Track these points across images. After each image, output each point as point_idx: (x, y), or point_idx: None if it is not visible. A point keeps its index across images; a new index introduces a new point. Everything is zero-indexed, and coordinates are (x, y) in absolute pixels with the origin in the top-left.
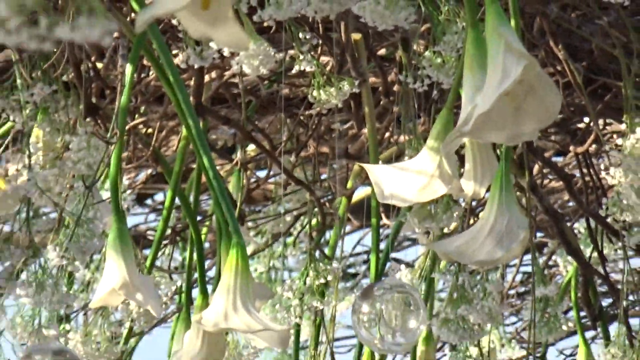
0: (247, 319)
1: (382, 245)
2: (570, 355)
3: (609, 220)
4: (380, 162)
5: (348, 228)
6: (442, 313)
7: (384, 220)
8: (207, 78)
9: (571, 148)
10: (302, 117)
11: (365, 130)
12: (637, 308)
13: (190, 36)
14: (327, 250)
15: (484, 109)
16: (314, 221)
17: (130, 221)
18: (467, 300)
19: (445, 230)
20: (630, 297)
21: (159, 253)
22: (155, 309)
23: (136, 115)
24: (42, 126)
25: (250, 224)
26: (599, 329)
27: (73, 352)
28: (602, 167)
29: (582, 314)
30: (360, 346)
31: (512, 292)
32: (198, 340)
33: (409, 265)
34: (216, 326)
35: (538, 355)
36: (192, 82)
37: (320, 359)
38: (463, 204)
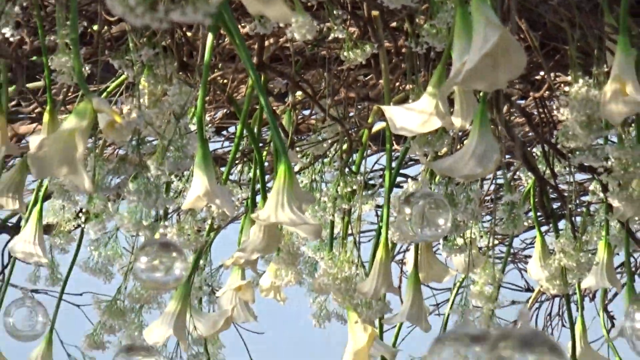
0: (291, 216)
1: (394, 164)
2: (530, 243)
3: (558, 146)
4: (392, 104)
5: (369, 152)
6: None
7: (395, 146)
8: (266, 43)
9: (531, 94)
10: (335, 71)
11: (381, 81)
12: (578, 209)
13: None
14: (353, 168)
15: (471, 66)
16: (344, 146)
17: (211, 146)
18: (455, 204)
19: (439, 153)
20: (574, 202)
21: (232, 170)
22: (229, 211)
23: (215, 70)
24: (147, 78)
25: (297, 148)
26: (551, 225)
27: (175, 244)
28: (554, 107)
29: (539, 214)
30: (378, 236)
31: (487, 198)
32: (260, 233)
33: (414, 178)
34: (268, 220)
35: (506, 243)
36: (255, 46)
37: (348, 247)
38: (452, 134)
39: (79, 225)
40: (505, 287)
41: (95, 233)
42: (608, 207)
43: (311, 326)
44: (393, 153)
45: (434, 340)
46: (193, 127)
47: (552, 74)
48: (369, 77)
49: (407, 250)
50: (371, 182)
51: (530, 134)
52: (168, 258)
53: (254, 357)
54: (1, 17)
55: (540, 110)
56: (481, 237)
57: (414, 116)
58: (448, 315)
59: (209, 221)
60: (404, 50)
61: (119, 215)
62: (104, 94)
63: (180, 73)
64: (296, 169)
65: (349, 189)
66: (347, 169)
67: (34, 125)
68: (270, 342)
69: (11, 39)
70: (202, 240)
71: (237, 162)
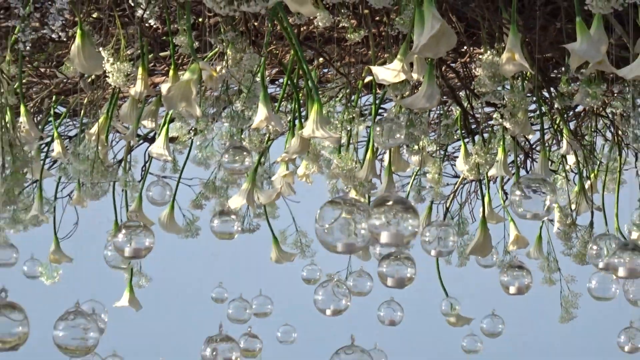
0: (322, 132)
1: (377, 102)
2: (457, 149)
3: (475, 91)
4: (376, 65)
5: (362, 94)
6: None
7: (378, 90)
8: (302, 28)
9: (459, 60)
10: (343, 46)
11: (370, 52)
12: (486, 129)
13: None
14: (353, 102)
15: (423, 42)
16: (347, 91)
17: (269, 90)
18: (413, 124)
19: (404, 95)
20: (484, 124)
21: (281, 105)
22: (279, 128)
23: (271, 44)
24: (231, 50)
25: (320, 92)
26: (470, 137)
27: (246, 148)
28: (472, 68)
29: (463, 131)
30: (367, 144)
31: (432, 121)
32: (297, 142)
33: (388, 110)
34: (308, 135)
35: (444, 149)
36: (295, 30)
37: (350, 151)
38: (412, 83)
39: (190, 137)
40: (444, 175)
41: (200, 142)
42: (504, 128)
43: None
44: (377, 95)
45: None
46: (258, 79)
47: (471, 48)
48: (362, 49)
49: (384, 152)
50: (365, 112)
51: (458, 84)
52: (241, 156)
53: None
54: (150, 14)
55: (465, 69)
56: (429, 145)
57: (389, 73)
58: (408, 192)
59: (267, 135)
60: (383, 33)
61: (215, 131)
62: (205, 59)
63: (251, 46)
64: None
65: (351, 116)
66: (349, 104)
67: (164, 77)
68: None
69: (153, 25)
70: (263, 146)
71: (284, 100)
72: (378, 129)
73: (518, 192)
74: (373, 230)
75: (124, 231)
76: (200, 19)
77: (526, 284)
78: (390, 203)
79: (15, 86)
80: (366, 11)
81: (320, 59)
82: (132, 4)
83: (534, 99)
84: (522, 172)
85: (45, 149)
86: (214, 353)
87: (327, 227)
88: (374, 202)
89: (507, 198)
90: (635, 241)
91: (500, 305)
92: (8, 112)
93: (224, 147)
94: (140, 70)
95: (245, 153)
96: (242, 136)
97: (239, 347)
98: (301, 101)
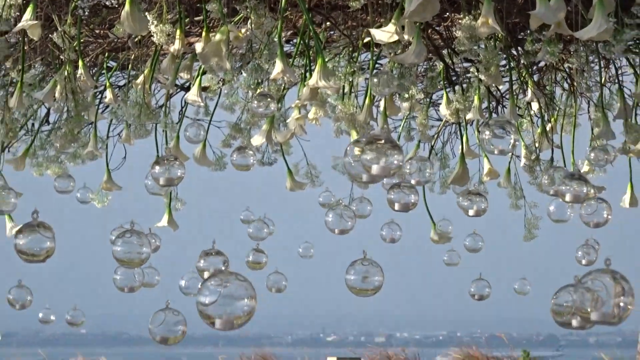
0: (323, 83)
1: (375, 57)
2: (440, 97)
3: (455, 49)
4: (374, 28)
5: (362, 51)
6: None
7: (375, 49)
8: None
9: (442, 24)
10: (346, 12)
11: (369, 17)
12: (465, 80)
13: None
14: (354, 59)
15: (413, 9)
16: (349, 49)
17: (285, 48)
18: (404, 77)
19: (397, 52)
20: (463, 76)
21: (295, 60)
22: (293, 79)
23: (287, 10)
24: (254, 15)
25: (327, 50)
26: (451, 87)
27: (269, 94)
28: (454, 30)
29: (446, 82)
30: (366, 93)
31: (420, 74)
32: (308, 91)
33: (384, 65)
34: (315, 85)
35: (429, 98)
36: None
37: (352, 98)
38: (403, 43)
39: (219, 87)
40: (429, 118)
41: (227, 90)
42: (479, 79)
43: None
44: (374, 52)
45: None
46: (275, 39)
47: (452, 14)
48: (362, 15)
49: (380, 99)
50: (363, 66)
51: (441, 43)
52: (264, 102)
53: None
54: None
55: (447, 31)
56: (417, 93)
57: (385, 34)
58: (400, 132)
59: (283, 85)
60: (380, 1)
61: (240, 82)
62: (232, 23)
63: (270, 12)
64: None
65: (352, 70)
66: (351, 60)
67: (198, 38)
68: None
69: None
70: (280, 93)
71: (297, 57)
72: (375, 80)
73: (487, 132)
74: (365, 164)
75: (160, 164)
76: None
77: (483, 207)
78: (381, 141)
79: (74, 45)
80: None
81: (328, 23)
82: None
83: (504, 56)
84: (495, 116)
85: (100, 97)
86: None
87: (353, 160)
88: (366, 140)
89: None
90: (579, 171)
91: (478, 228)
92: (69, 66)
93: (247, 95)
94: (178, 31)
95: (268, 99)
96: (262, 86)
97: (228, 260)
98: (311, 57)
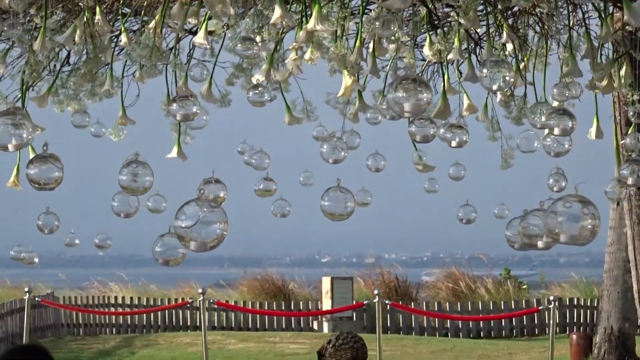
0: (320, 26)
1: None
2: (424, 40)
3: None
4: None
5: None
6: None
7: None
8: None
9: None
10: None
11: None
12: (447, 24)
13: None
14: (346, 4)
15: None
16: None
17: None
18: (394, 20)
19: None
20: (444, 21)
21: (291, 7)
22: (291, 23)
23: None
24: None
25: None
26: (433, 31)
27: (254, 39)
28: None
29: (429, 26)
30: (357, 36)
31: (405, 18)
32: (304, 34)
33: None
34: (312, 28)
35: (414, 40)
36: None
37: (344, 41)
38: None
39: (224, 31)
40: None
41: (233, 34)
42: (459, 23)
43: None
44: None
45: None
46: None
47: None
48: None
49: (369, 42)
50: (354, 12)
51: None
52: (252, 45)
53: None
54: None
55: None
56: (403, 36)
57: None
58: (388, 71)
59: (282, 29)
60: None
61: (243, 25)
62: None
63: None
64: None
65: (344, 15)
66: (343, 6)
67: None
68: None
69: None
70: (279, 36)
71: (294, 3)
72: (377, 23)
73: (485, 70)
74: (398, 101)
75: (177, 101)
76: None
77: (464, 139)
78: (411, 80)
79: None
80: None
81: None
82: None
83: (482, 1)
84: (473, 57)
85: (115, 40)
86: (202, 191)
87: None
88: (397, 80)
89: (461, 76)
90: (564, 107)
91: (464, 157)
92: (88, 13)
93: (237, 39)
94: None
95: (254, 43)
96: (263, 30)
97: (226, 188)
98: (306, 4)
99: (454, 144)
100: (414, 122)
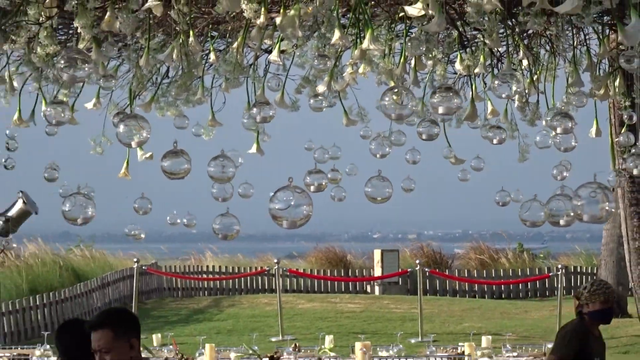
0: (372, 46)
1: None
2: (456, 57)
3: (466, 20)
4: (407, 5)
5: (399, 23)
6: None
7: (408, 21)
8: None
9: (456, 2)
10: None
11: None
12: (474, 44)
13: None
14: (393, 28)
15: None
16: (389, 21)
17: None
18: (429, 41)
19: (424, 23)
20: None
21: (348, 31)
22: (347, 44)
23: None
24: None
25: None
26: (464, 50)
27: (327, 55)
28: (465, 6)
29: (460, 46)
30: (401, 53)
31: (440, 39)
32: (358, 52)
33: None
34: (365, 48)
35: (447, 57)
36: None
37: (390, 57)
38: (428, 16)
39: (293, 50)
40: (447, 72)
41: (300, 52)
42: (484, 43)
43: None
44: (407, 23)
45: None
46: (334, 14)
47: None
48: None
49: (411, 58)
50: (399, 34)
51: (456, 16)
52: (324, 60)
53: None
54: None
55: (460, 7)
56: (438, 54)
57: (415, 10)
58: (426, 83)
59: (340, 48)
60: None
61: (309, 45)
62: (303, 2)
63: None
64: None
65: (391, 37)
66: (390, 29)
67: (277, 13)
68: None
69: None
70: (338, 54)
71: (350, 27)
72: (409, 44)
73: (497, 81)
74: (434, 105)
75: (256, 107)
76: None
77: (504, 137)
78: (444, 88)
79: (186, 19)
80: None
81: (372, 2)
82: None
83: (503, 26)
84: (496, 71)
85: (205, 58)
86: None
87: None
88: (437, 88)
89: (486, 86)
90: (566, 111)
91: (483, 152)
92: (183, 35)
93: (314, 56)
94: (263, 9)
95: (326, 59)
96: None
97: (327, 177)
98: (360, 28)
99: (495, 141)
100: (421, 124)
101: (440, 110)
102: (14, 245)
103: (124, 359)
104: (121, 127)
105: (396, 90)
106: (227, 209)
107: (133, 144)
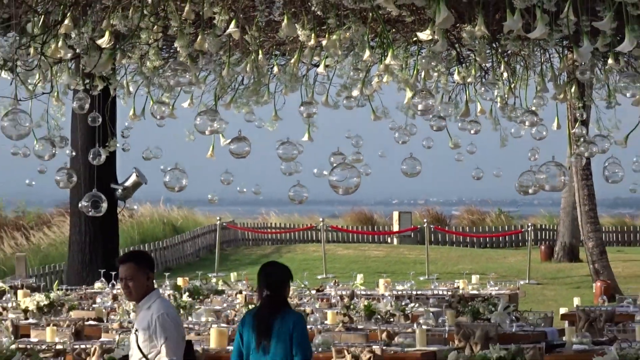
0: (393, 62)
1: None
2: (454, 70)
3: (463, 43)
4: (419, 32)
5: (413, 45)
6: None
7: (420, 44)
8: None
9: (455, 30)
10: (404, 23)
11: (415, 26)
12: (468, 61)
13: None
14: (409, 48)
15: (439, 22)
16: (405, 43)
17: None
18: (434, 58)
19: (432, 45)
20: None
21: (375, 50)
22: (375, 60)
23: None
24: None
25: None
26: (460, 65)
27: (360, 68)
28: (462, 33)
29: (456, 61)
30: (415, 67)
31: (443, 58)
32: (382, 66)
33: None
34: (388, 63)
35: (448, 71)
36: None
37: (406, 69)
38: (433, 40)
39: (335, 64)
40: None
41: (340, 67)
42: (475, 60)
43: None
44: (420, 45)
45: None
46: (365, 39)
47: (461, 25)
48: (413, 25)
49: (422, 71)
50: (413, 53)
51: (455, 40)
52: (358, 71)
53: None
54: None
55: (458, 34)
56: (442, 68)
57: (425, 35)
58: (432, 89)
59: (370, 63)
60: (421, 17)
61: (346, 61)
62: (343, 29)
63: (361, 24)
64: None
65: (407, 55)
66: (406, 49)
67: (323, 38)
68: None
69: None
70: (368, 67)
71: (377, 48)
72: (421, 60)
73: (484, 88)
74: (415, 104)
75: (304, 105)
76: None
77: (479, 129)
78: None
79: (257, 41)
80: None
81: (393, 30)
82: None
83: (489, 47)
84: (484, 80)
85: (270, 70)
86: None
87: None
88: (418, 91)
89: (476, 91)
90: (534, 110)
91: (475, 141)
92: (254, 54)
93: (350, 69)
94: (312, 34)
95: (359, 71)
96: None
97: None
98: (384, 48)
99: (472, 132)
100: (432, 118)
101: (420, 107)
102: (135, 207)
103: (142, 285)
104: (198, 120)
105: (423, 92)
106: (298, 181)
107: (207, 132)
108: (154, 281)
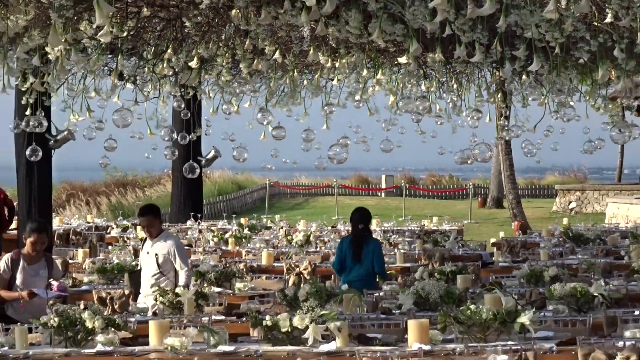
0: (383, 77)
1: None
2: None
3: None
4: (399, 57)
5: (397, 65)
6: None
7: (400, 65)
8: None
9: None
10: (388, 52)
11: (396, 54)
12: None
13: None
14: (391, 69)
15: (411, 52)
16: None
17: None
18: (409, 73)
19: (408, 66)
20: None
21: (372, 69)
22: (368, 75)
23: None
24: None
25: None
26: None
27: (368, 77)
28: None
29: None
30: (396, 80)
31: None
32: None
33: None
34: (379, 77)
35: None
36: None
37: (391, 82)
38: (409, 62)
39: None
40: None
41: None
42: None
43: None
44: (400, 66)
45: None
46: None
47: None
48: (395, 52)
49: (402, 84)
50: (395, 72)
51: (422, 62)
52: (363, 78)
53: None
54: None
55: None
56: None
57: (403, 59)
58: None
59: (366, 77)
60: (400, 48)
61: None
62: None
63: (359, 51)
64: None
65: (392, 72)
66: (390, 68)
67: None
68: None
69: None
70: (365, 80)
71: (371, 68)
72: (400, 76)
73: (445, 94)
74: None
75: (326, 106)
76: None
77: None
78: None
79: (293, 63)
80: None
81: (382, 56)
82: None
83: (444, 68)
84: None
85: (301, 82)
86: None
87: None
88: (403, 97)
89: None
90: (477, 108)
91: (438, 130)
92: (291, 71)
93: (354, 81)
94: (329, 59)
95: (360, 83)
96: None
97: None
98: (376, 68)
99: (438, 123)
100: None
101: (402, 107)
102: (208, 172)
103: (158, 228)
104: (259, 115)
105: (423, 96)
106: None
107: (264, 123)
108: (268, 223)
